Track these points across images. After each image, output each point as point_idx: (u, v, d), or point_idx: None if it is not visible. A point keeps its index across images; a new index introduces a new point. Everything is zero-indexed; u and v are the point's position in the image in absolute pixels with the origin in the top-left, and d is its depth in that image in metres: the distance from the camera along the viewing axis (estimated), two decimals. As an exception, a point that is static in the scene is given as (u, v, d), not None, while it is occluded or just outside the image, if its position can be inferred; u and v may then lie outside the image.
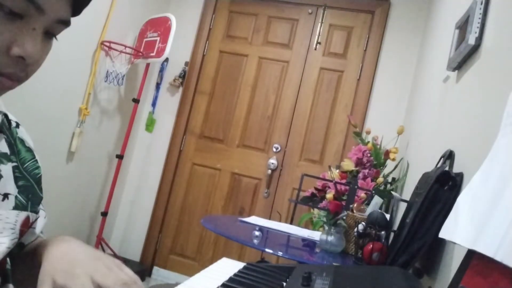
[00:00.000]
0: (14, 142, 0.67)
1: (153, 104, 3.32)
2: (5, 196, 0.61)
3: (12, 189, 0.63)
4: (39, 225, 0.71)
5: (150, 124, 3.31)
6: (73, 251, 0.57)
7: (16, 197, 0.63)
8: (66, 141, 2.63)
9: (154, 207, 3.24)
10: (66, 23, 0.57)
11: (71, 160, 2.70)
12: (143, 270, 3.08)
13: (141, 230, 3.24)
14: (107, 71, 2.80)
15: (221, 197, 3.16)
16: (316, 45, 2.83)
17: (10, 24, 0.51)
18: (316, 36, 2.83)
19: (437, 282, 0.96)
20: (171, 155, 3.26)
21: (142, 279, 3.05)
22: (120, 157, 2.91)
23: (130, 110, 3.02)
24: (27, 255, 0.66)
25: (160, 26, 2.89)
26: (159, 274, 3.18)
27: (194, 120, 3.28)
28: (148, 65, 3.00)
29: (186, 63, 3.30)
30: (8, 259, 0.63)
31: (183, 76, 3.28)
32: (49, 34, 0.57)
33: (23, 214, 0.64)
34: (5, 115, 0.67)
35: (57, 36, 0.59)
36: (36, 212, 0.68)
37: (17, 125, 0.70)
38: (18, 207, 0.63)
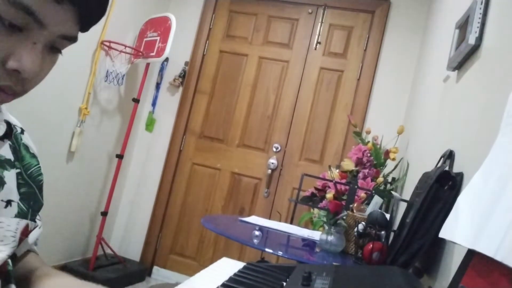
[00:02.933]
0: (18, 148, 0.67)
1: (153, 104, 3.32)
2: (8, 203, 0.61)
3: (15, 196, 0.63)
4: (33, 236, 0.70)
5: (150, 124, 3.31)
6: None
7: (17, 204, 0.63)
8: (66, 140, 2.63)
9: (154, 207, 3.24)
10: (72, 39, 0.55)
11: (71, 160, 2.70)
12: (143, 269, 3.08)
13: (141, 229, 3.24)
14: (107, 71, 2.80)
15: (221, 196, 3.16)
16: (316, 45, 2.83)
17: (9, 36, 0.49)
18: (316, 36, 2.83)
19: (437, 282, 0.96)
20: (171, 155, 3.26)
21: (142, 278, 3.05)
22: (120, 156, 2.91)
23: (130, 110, 3.02)
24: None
25: (160, 25, 2.89)
26: (159, 273, 3.18)
27: (194, 120, 3.28)
28: (148, 64, 2.99)
29: (186, 63, 3.30)
30: (9, 260, 0.63)
31: (183, 75, 3.28)
32: (54, 49, 0.55)
33: (23, 222, 0.64)
34: (8, 123, 0.66)
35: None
36: (35, 221, 0.68)
37: (22, 131, 0.70)
38: (19, 214, 0.63)
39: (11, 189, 0.62)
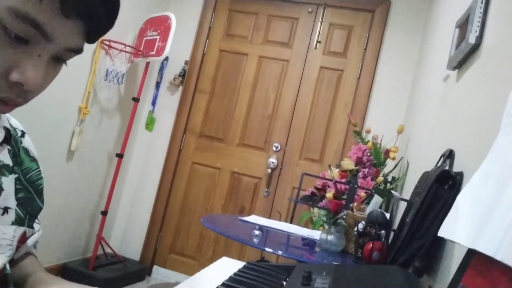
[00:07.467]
0: (18, 152, 0.66)
1: (153, 103, 3.32)
2: (5, 210, 0.60)
3: (12, 202, 0.62)
4: (32, 239, 0.70)
5: (150, 123, 3.31)
6: None
7: (15, 211, 0.62)
8: (66, 140, 2.63)
9: (154, 206, 3.24)
10: (77, 51, 0.55)
11: (71, 159, 2.70)
12: (143, 269, 3.08)
13: (141, 229, 3.24)
14: (107, 70, 2.80)
15: (221, 196, 3.16)
16: (316, 44, 2.83)
17: (14, 48, 0.48)
18: (316, 35, 2.83)
19: (437, 281, 0.96)
20: (171, 154, 3.26)
21: (142, 278, 3.05)
22: (120, 156, 2.91)
23: (130, 109, 3.02)
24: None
25: (160, 24, 2.89)
26: (159, 273, 3.18)
27: (194, 119, 3.27)
28: (148, 64, 2.99)
29: (186, 62, 3.30)
30: (6, 264, 0.62)
31: (183, 75, 3.28)
32: (58, 59, 0.54)
33: (20, 230, 0.63)
34: (7, 129, 0.65)
35: None
36: (32, 227, 0.67)
37: (22, 134, 0.69)
38: (17, 221, 0.62)
39: (8, 195, 0.61)
